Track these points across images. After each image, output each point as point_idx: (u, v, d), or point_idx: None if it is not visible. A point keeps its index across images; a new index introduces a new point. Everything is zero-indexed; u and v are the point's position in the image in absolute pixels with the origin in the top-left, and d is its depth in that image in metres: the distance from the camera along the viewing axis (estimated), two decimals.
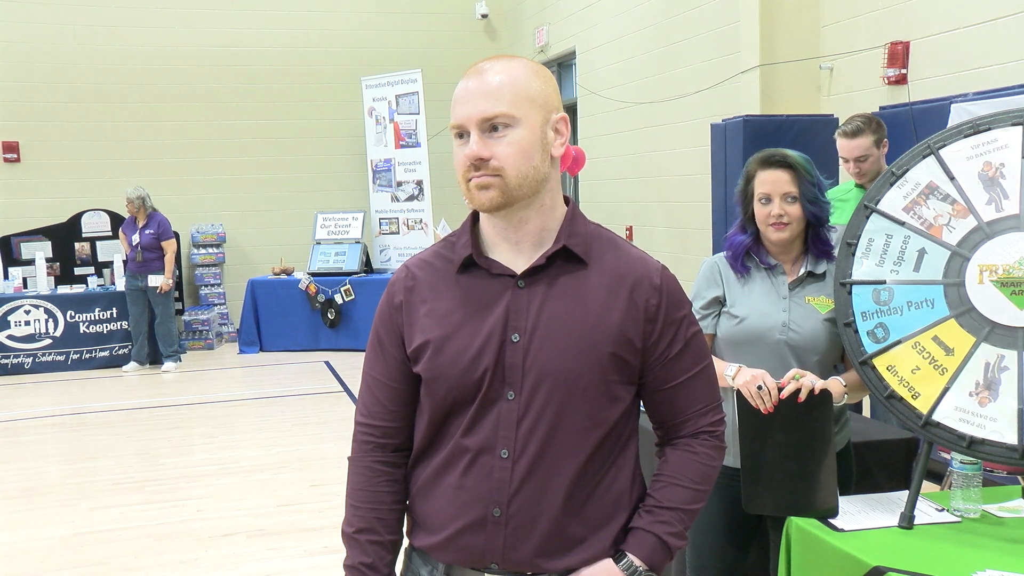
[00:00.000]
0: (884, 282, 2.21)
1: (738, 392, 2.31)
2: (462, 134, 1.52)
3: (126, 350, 9.23)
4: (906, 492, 2.23)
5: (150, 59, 10.56)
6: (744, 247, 2.51)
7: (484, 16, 11.47)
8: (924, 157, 2.21)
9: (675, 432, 1.65)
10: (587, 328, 1.53)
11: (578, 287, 1.56)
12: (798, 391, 2.24)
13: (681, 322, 1.60)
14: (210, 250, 10.60)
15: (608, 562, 1.57)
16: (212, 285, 10.58)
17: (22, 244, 9.82)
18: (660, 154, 8.24)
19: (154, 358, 9.19)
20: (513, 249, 1.58)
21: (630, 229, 8.87)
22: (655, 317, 1.57)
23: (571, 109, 10.31)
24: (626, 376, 1.57)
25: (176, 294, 9.62)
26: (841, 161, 4.12)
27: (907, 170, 2.22)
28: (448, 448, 1.58)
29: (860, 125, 4.00)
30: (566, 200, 1.62)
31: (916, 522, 2.15)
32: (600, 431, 1.55)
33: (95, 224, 10.06)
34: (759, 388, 2.25)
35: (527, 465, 1.53)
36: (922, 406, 2.13)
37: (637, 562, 1.57)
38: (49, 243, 9.90)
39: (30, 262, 9.56)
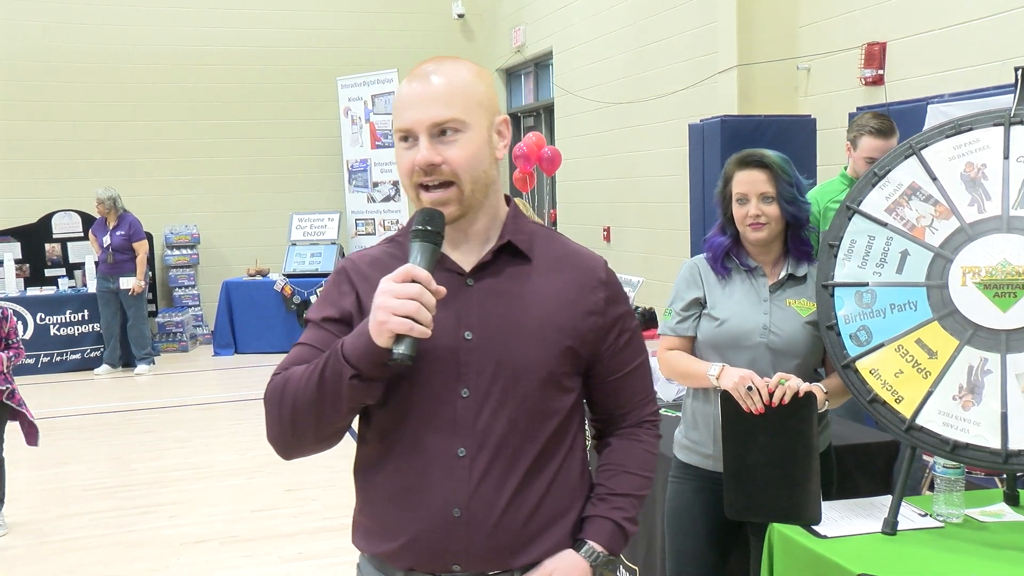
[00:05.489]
0: (867, 284, 2.19)
1: (722, 394, 2.28)
2: (407, 137, 1.49)
3: (98, 353, 9.11)
4: (888, 497, 2.21)
5: (122, 58, 10.43)
6: (724, 248, 2.50)
7: (460, 16, 11.42)
8: (906, 157, 2.19)
9: (619, 422, 1.69)
10: (537, 322, 1.54)
11: (525, 282, 1.57)
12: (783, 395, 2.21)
13: (625, 315, 1.65)
14: (184, 251, 10.48)
15: (570, 552, 1.58)
16: (186, 287, 10.46)
17: None
18: (637, 154, 8.23)
19: (127, 361, 9.06)
20: (461, 249, 1.57)
21: (607, 229, 8.85)
22: (603, 311, 1.60)
23: (548, 109, 10.29)
24: (575, 367, 1.59)
25: (149, 296, 9.49)
26: (864, 162, 3.74)
27: (889, 171, 2.20)
28: (404, 450, 1.54)
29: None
30: (507, 200, 1.64)
31: (899, 528, 2.13)
32: (552, 422, 1.57)
33: (66, 225, 9.90)
34: (748, 389, 2.22)
35: (485, 463, 1.51)
36: (905, 410, 2.11)
37: (598, 548, 1.59)
38: (18, 244, 9.74)
39: None
